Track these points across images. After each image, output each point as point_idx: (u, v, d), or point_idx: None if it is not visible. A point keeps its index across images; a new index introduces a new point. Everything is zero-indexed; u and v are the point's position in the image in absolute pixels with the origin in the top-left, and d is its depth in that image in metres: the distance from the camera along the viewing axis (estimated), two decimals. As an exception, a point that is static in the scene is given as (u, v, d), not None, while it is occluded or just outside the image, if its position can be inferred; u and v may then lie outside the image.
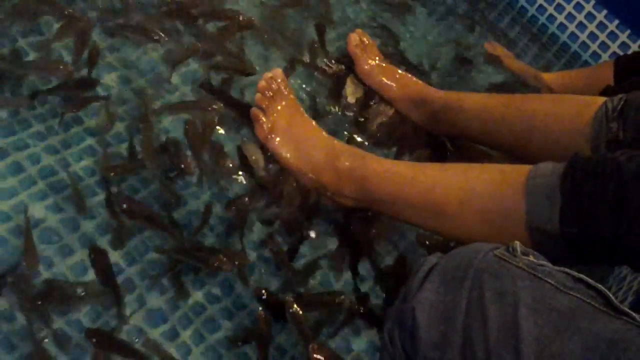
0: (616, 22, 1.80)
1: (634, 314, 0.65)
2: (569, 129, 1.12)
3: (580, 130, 1.09)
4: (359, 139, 1.31)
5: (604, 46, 1.86)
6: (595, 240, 0.86)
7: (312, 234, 1.13)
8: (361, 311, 1.06)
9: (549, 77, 1.66)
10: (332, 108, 1.34)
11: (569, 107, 1.16)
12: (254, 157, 1.15)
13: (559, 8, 1.89)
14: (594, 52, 1.88)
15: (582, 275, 0.70)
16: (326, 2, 1.55)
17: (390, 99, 1.40)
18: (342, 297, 1.06)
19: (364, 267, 1.13)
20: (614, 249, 0.86)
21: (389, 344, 0.77)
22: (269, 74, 1.17)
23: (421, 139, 1.37)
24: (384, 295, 1.11)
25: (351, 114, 1.35)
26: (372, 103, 1.38)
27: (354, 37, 1.43)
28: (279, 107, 1.17)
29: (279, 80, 1.17)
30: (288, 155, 1.14)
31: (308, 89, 1.35)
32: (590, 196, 0.86)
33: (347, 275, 1.11)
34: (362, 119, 1.35)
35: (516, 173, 0.95)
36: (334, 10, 1.55)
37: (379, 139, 1.33)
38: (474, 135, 1.30)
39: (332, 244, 1.13)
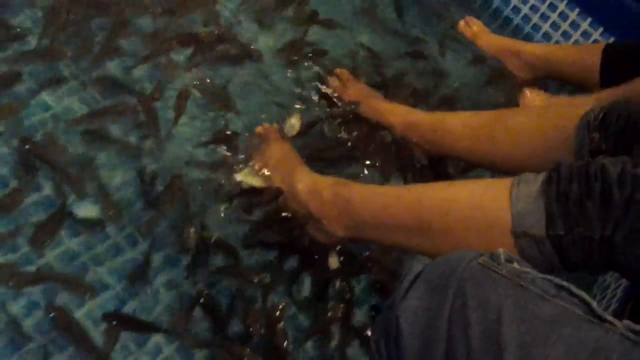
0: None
1: (616, 321, 0.66)
2: (552, 142, 1.13)
3: (564, 142, 1.11)
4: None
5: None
6: (582, 243, 0.87)
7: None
8: (354, 320, 1.08)
9: (533, 49, 1.61)
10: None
11: (551, 120, 1.17)
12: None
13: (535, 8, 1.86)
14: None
15: (565, 283, 0.70)
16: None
17: (386, 127, 1.40)
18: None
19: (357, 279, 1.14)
20: (601, 252, 0.87)
21: (376, 354, 0.76)
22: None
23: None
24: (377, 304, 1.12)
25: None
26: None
27: (336, 74, 1.45)
28: (272, 148, 1.22)
29: (271, 129, 1.27)
30: (278, 184, 1.19)
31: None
32: (576, 198, 0.87)
33: (341, 284, 1.12)
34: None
35: (499, 183, 0.96)
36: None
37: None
38: (463, 154, 1.30)
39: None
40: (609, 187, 0.86)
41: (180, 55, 1.35)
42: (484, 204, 0.95)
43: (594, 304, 0.67)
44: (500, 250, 0.76)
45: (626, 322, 0.66)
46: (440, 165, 1.36)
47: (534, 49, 1.61)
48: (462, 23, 1.73)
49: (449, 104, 1.53)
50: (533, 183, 0.92)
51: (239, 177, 1.19)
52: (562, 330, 0.65)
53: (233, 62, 1.38)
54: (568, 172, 0.91)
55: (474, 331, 0.67)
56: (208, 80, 1.32)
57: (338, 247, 1.15)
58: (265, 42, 1.46)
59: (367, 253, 1.19)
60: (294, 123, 1.32)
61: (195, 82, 1.31)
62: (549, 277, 0.71)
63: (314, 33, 1.55)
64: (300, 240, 1.14)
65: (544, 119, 1.18)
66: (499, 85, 1.61)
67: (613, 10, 1.68)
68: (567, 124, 1.12)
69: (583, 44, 1.70)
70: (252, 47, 1.43)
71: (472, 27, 1.71)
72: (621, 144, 1.04)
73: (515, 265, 0.73)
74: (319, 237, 1.15)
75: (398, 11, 1.72)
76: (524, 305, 0.68)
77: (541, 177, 0.92)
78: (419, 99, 1.51)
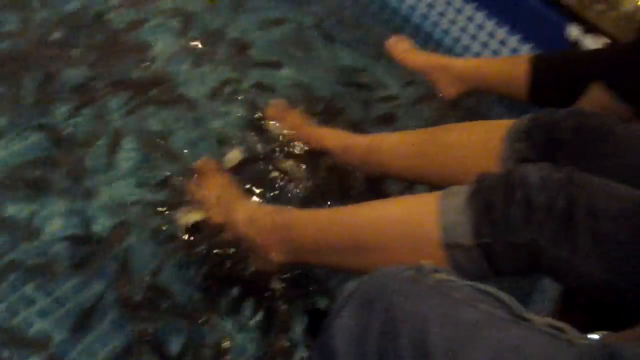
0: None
1: (538, 319, 0.68)
2: (481, 155, 1.16)
3: (492, 154, 1.14)
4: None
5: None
6: (510, 248, 0.90)
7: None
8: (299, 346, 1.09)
9: (461, 64, 1.60)
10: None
11: (479, 134, 1.20)
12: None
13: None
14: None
15: (487, 287, 0.73)
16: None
17: (324, 152, 1.42)
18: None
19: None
20: (528, 256, 0.90)
21: (314, 376, 0.78)
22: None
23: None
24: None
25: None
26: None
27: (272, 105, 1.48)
28: (210, 182, 1.23)
29: (209, 162, 1.27)
30: (218, 217, 1.18)
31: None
32: (500, 205, 0.90)
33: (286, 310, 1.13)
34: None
35: (428, 197, 0.99)
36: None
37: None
38: (401, 173, 1.33)
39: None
40: (530, 193, 0.90)
41: (114, 102, 1.36)
42: (414, 219, 0.98)
43: (515, 305, 0.70)
44: (426, 262, 0.78)
45: (546, 319, 0.68)
46: (380, 185, 1.39)
47: (462, 64, 1.61)
48: (389, 43, 1.69)
49: (385, 124, 1.56)
50: (459, 195, 0.95)
51: (180, 215, 1.20)
52: (486, 332, 0.67)
53: (168, 104, 1.40)
54: (491, 182, 0.94)
55: (403, 343, 0.69)
56: (144, 124, 1.34)
57: (281, 274, 1.16)
58: (199, 82, 1.48)
59: (311, 277, 1.20)
60: (232, 156, 1.34)
61: (131, 127, 1.32)
62: (471, 283, 0.74)
63: (248, 69, 1.58)
64: (244, 271, 1.15)
65: (473, 133, 1.22)
66: (431, 103, 1.65)
67: (534, 21, 1.75)
68: (494, 137, 1.16)
69: (509, 57, 1.73)
70: (186, 88, 1.45)
71: (400, 46, 1.68)
72: (546, 152, 1.08)
73: (441, 275, 0.76)
74: (262, 265, 1.15)
75: (326, 40, 1.75)
76: (449, 313, 0.70)
77: (467, 188, 0.95)
78: (355, 123, 1.54)
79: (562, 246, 0.88)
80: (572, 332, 0.68)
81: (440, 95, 1.61)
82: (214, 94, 1.47)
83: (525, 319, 0.68)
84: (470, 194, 0.94)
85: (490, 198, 0.92)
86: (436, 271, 0.76)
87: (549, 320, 0.68)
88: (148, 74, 1.44)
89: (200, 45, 1.57)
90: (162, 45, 1.53)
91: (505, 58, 1.70)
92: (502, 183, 0.93)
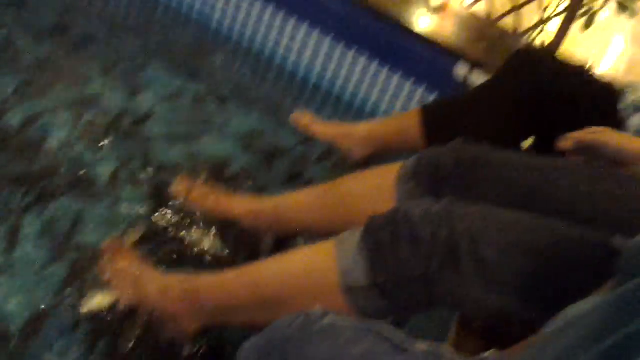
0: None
1: (419, 347, 0.72)
2: (377, 200, 1.20)
3: (386, 198, 1.19)
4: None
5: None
6: (404, 284, 0.94)
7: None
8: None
9: (360, 130, 1.66)
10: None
11: (374, 180, 1.25)
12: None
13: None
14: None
15: (370, 325, 0.76)
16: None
17: (233, 220, 1.43)
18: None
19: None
20: (422, 289, 0.94)
21: None
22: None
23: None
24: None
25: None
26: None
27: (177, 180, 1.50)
28: (118, 260, 1.23)
29: (114, 241, 1.28)
30: (130, 293, 1.19)
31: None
32: (388, 243, 0.95)
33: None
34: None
35: (324, 245, 1.03)
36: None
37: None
38: (309, 229, 1.36)
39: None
40: (414, 228, 0.95)
41: (12, 198, 1.37)
42: (314, 269, 1.02)
43: (396, 338, 0.73)
44: (316, 308, 0.81)
45: (426, 345, 0.72)
46: (291, 245, 1.42)
47: (362, 128, 1.67)
48: (294, 117, 1.76)
49: (290, 184, 1.60)
50: (352, 239, 1.00)
51: (88, 302, 1.20)
52: None
53: (70, 191, 1.41)
54: (379, 222, 0.99)
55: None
56: (45, 215, 1.34)
57: (197, 341, 1.17)
58: (100, 165, 1.50)
59: (227, 339, 1.21)
60: (138, 233, 1.35)
61: (30, 220, 1.32)
62: (356, 324, 0.77)
63: (149, 145, 1.60)
64: (158, 342, 1.15)
65: (368, 180, 1.27)
66: (333, 158, 1.70)
67: (425, 66, 1.85)
68: (387, 181, 1.21)
69: (402, 113, 1.80)
70: (87, 172, 1.46)
71: (303, 120, 1.74)
72: (432, 188, 1.13)
73: (329, 319, 0.79)
74: (177, 334, 1.16)
75: (224, 107, 1.80)
76: (337, 353, 0.73)
77: (359, 231, 1.00)
78: (261, 187, 1.58)
79: (450, 275, 0.92)
80: (451, 355, 0.71)
81: (350, 160, 1.67)
82: (115, 176, 1.49)
83: (405, 349, 0.71)
84: (361, 236, 0.99)
85: (379, 238, 0.97)
86: (324, 316, 0.79)
87: (429, 346, 0.72)
88: (47, 164, 1.45)
89: (98, 129, 1.59)
90: (61, 134, 1.54)
91: (399, 115, 1.77)
92: (389, 222, 0.98)
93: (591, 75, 1.42)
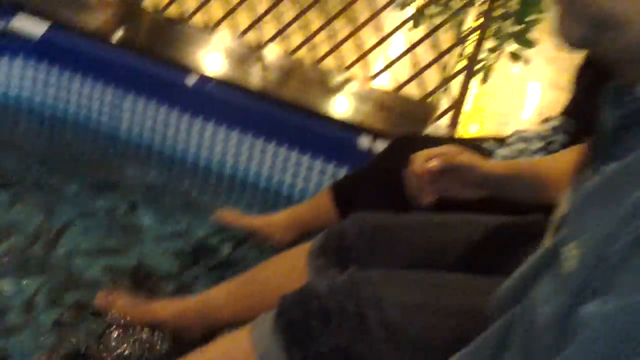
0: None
1: None
2: (293, 281, 1.21)
3: (301, 277, 1.21)
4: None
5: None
6: (320, 358, 0.96)
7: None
8: None
9: (277, 219, 1.72)
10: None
11: (288, 262, 1.29)
12: None
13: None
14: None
15: None
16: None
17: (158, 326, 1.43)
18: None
19: None
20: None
21: None
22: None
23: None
24: None
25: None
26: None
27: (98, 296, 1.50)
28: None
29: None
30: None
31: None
32: (300, 320, 0.98)
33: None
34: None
35: (242, 332, 1.05)
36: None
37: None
38: (234, 320, 1.35)
39: None
40: (322, 303, 0.97)
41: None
42: (233, 357, 1.03)
43: None
44: None
45: None
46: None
47: (281, 215, 1.74)
48: (217, 215, 1.81)
49: (216, 278, 1.61)
50: (266, 321, 1.02)
51: None
52: None
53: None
54: (290, 301, 1.01)
55: None
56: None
57: None
58: (13, 296, 1.48)
59: None
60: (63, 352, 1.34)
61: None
62: None
63: (65, 264, 1.60)
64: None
65: (283, 263, 1.30)
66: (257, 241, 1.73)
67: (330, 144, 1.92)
68: (300, 261, 1.24)
69: (316, 195, 1.80)
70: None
71: (227, 217, 1.81)
72: (339, 261, 1.17)
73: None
74: None
75: (143, 215, 1.82)
76: None
77: (272, 314, 1.02)
78: (187, 286, 1.58)
79: (362, 343, 0.95)
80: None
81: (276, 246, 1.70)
82: (30, 303, 1.48)
83: None
84: (274, 317, 1.00)
85: (291, 316, 0.99)
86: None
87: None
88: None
89: (9, 259, 1.58)
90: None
91: (314, 197, 1.81)
92: (299, 300, 1.00)
93: (461, 143, 1.46)
